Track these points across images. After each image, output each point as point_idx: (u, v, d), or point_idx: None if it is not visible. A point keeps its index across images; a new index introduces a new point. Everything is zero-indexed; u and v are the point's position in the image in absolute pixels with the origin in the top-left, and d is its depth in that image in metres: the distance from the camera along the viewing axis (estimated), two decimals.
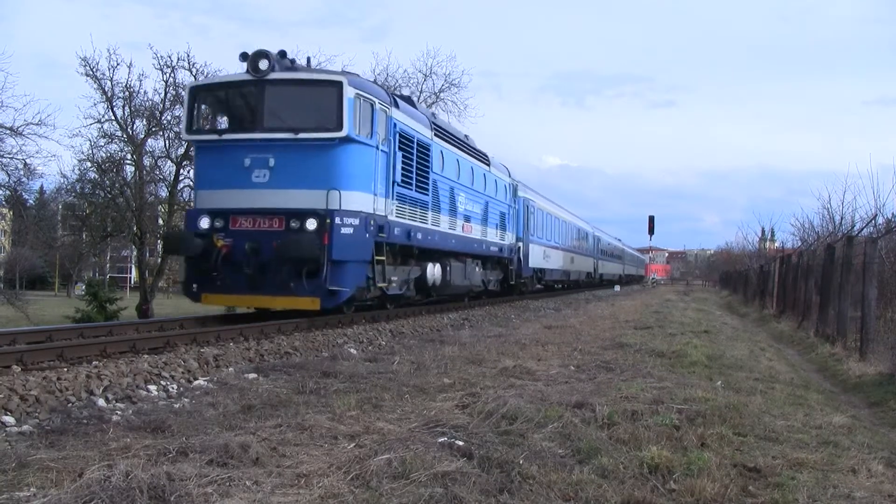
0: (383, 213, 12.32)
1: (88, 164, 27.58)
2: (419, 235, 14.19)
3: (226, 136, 11.57)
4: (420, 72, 37.42)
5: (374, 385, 6.77)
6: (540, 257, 27.34)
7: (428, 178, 14.75)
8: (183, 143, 25.35)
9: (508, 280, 22.73)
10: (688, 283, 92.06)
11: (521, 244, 23.82)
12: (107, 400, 6.05)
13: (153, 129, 27.66)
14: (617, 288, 47.83)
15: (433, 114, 16.89)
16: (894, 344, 10.45)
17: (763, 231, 50.88)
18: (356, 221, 11.24)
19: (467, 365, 8.29)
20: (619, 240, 64.05)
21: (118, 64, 26.87)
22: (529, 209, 25.52)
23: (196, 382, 6.97)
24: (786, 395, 7.63)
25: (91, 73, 26.36)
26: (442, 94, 37.17)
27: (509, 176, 23.08)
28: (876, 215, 16.36)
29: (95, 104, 26.82)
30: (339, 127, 11.07)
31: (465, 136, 19.24)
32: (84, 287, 41.25)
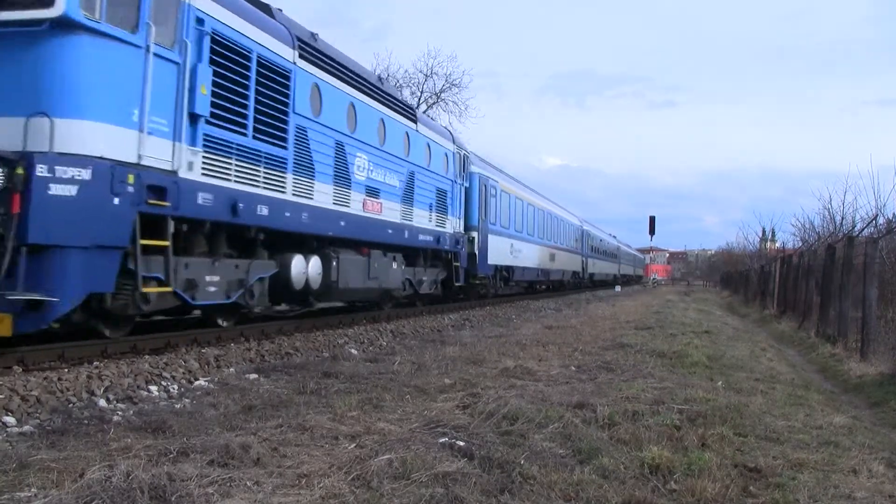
0: (168, 166, 7.58)
1: None
2: (264, 210, 9.18)
3: None
4: (421, 72, 37.60)
5: (375, 385, 6.77)
6: (505, 252, 22.21)
7: (286, 122, 9.73)
8: None
9: (454, 280, 17.42)
10: (689, 283, 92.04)
11: (475, 234, 18.93)
12: (108, 400, 6.06)
13: None
14: (618, 288, 47.81)
15: (313, 34, 11.10)
16: (895, 344, 10.45)
17: (764, 231, 50.92)
18: (86, 174, 6.58)
19: (468, 365, 8.29)
20: (615, 237, 59.30)
21: None
22: (489, 190, 20.67)
23: (197, 383, 6.98)
24: (786, 395, 7.63)
25: None
26: (443, 95, 37.32)
27: (454, 142, 17.80)
28: (877, 216, 16.37)
29: None
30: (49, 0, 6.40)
31: (379, 78, 14.38)
32: None
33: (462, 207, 18.26)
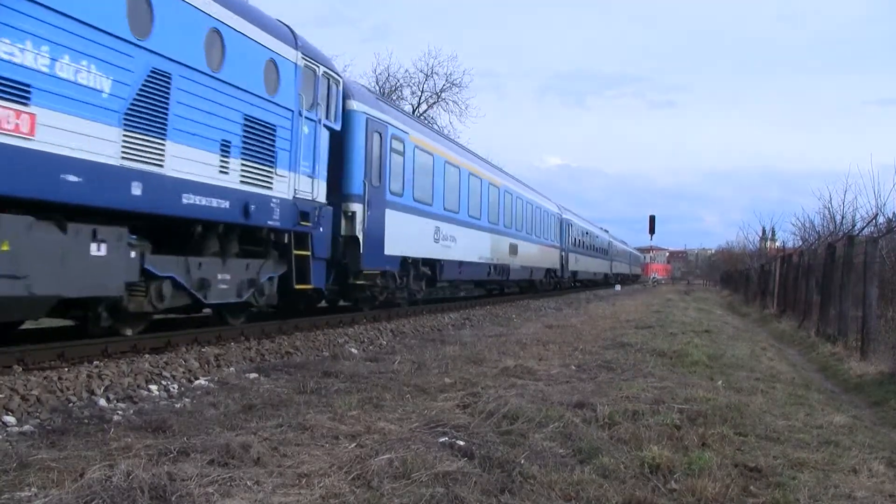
0: None
1: None
2: None
3: None
4: (421, 72, 37.69)
5: (375, 385, 6.78)
6: (422, 237, 15.65)
7: None
8: None
9: (299, 279, 10.71)
10: (689, 282, 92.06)
11: (356, 207, 12.36)
12: (108, 400, 6.06)
13: None
14: (618, 287, 47.81)
15: None
16: (895, 343, 10.46)
17: (764, 231, 51.06)
18: None
19: (468, 364, 8.29)
20: (607, 231, 53.00)
21: None
22: (389, 144, 13.76)
23: (197, 382, 6.98)
24: (787, 394, 7.63)
25: None
26: (443, 94, 37.34)
27: (296, 48, 10.45)
28: (877, 215, 16.40)
29: None
30: None
31: None
32: None
33: (322, 161, 11.29)
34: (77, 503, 3.37)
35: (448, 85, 37.34)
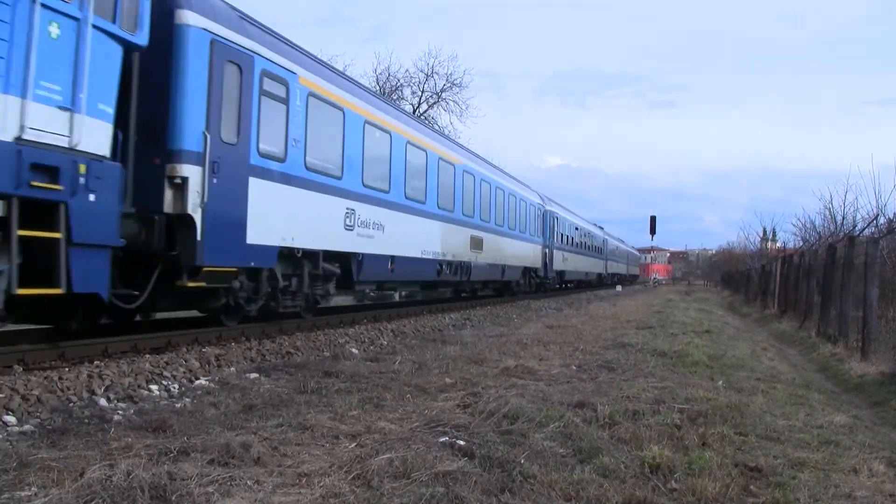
0: None
1: None
2: None
3: None
4: (421, 71, 37.65)
5: (376, 385, 6.78)
6: (328, 221, 11.45)
7: None
8: None
9: (34, 279, 6.24)
10: (689, 283, 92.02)
11: (190, 171, 8.26)
12: (108, 399, 6.06)
13: None
14: (619, 288, 47.80)
15: None
16: (895, 344, 10.46)
17: (764, 231, 51.07)
18: None
19: (469, 364, 8.29)
20: (602, 227, 49.63)
21: None
22: (257, 82, 9.42)
23: (197, 382, 6.98)
24: (787, 394, 7.63)
25: None
26: (444, 94, 37.33)
27: None
28: (878, 215, 16.39)
29: None
30: None
31: None
32: None
33: (95, 86, 6.83)
34: (77, 503, 3.37)
35: (448, 85, 37.33)
